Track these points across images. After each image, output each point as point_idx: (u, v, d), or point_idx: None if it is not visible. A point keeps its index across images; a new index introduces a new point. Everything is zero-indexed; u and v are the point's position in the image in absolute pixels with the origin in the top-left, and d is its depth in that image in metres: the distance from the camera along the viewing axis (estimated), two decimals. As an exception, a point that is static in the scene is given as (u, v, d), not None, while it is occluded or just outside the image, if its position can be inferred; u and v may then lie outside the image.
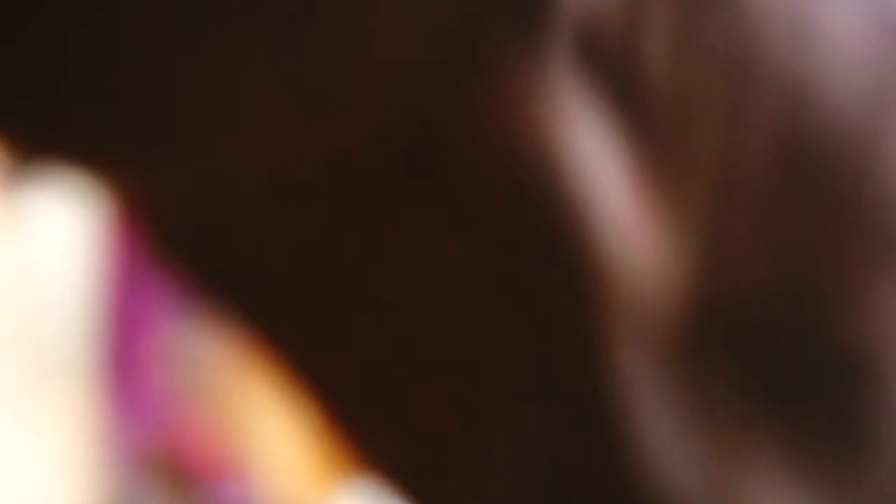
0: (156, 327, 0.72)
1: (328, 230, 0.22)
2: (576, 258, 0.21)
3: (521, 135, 0.21)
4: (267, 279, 0.23)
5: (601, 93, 0.21)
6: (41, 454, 0.68)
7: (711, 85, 0.21)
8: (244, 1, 0.20)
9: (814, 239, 0.22)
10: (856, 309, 0.22)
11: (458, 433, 0.23)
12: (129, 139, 0.22)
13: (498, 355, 0.22)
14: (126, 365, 0.72)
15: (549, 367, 0.22)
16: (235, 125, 0.21)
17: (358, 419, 0.24)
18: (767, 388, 0.22)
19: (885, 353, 0.22)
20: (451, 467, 0.23)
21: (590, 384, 0.22)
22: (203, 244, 0.24)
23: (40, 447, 0.68)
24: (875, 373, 0.22)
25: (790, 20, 0.21)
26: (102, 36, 0.21)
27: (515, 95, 0.21)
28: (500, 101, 0.21)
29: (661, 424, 0.22)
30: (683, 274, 0.22)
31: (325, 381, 0.24)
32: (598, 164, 0.21)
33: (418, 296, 0.22)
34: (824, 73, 0.22)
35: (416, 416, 0.23)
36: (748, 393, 0.22)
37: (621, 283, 0.21)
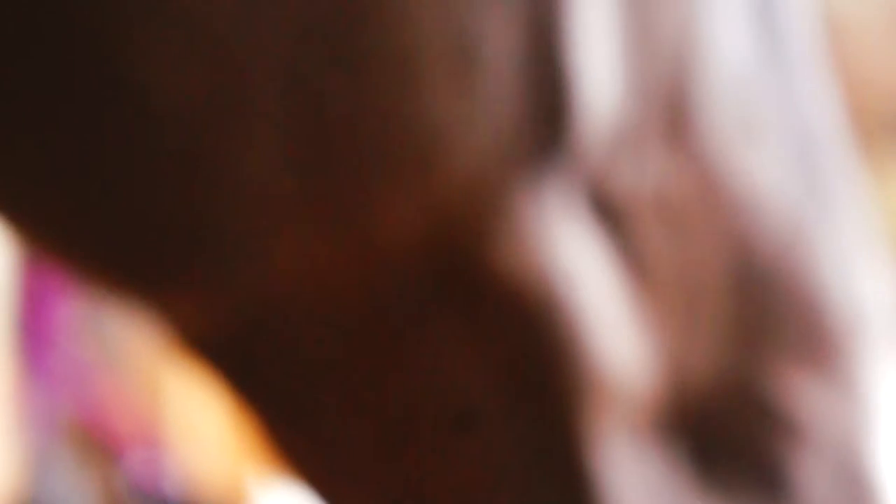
0: (68, 301, 0.72)
1: (359, 337, 0.26)
2: (573, 357, 0.26)
3: (533, 261, 0.25)
4: (296, 385, 0.27)
5: (600, 227, 0.26)
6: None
7: (681, 227, 0.27)
8: (280, 128, 0.24)
9: (754, 333, 0.28)
10: (786, 386, 0.28)
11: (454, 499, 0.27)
12: (173, 257, 0.25)
13: (499, 438, 0.27)
14: (39, 338, 0.72)
15: (546, 441, 0.26)
16: (276, 246, 0.25)
17: None
18: (716, 451, 0.28)
19: (807, 420, 0.28)
20: None
21: (577, 455, 0.26)
22: (240, 355, 0.27)
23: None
24: (799, 435, 0.28)
25: (733, 181, 0.27)
26: (148, 161, 0.24)
27: (530, 228, 0.25)
28: (517, 230, 0.25)
29: (634, 487, 0.27)
30: (657, 368, 0.27)
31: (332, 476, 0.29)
32: (593, 284, 0.26)
33: (434, 392, 0.26)
34: (758, 213, 0.28)
35: (415, 488, 0.28)
36: (702, 456, 0.28)
37: (609, 376, 0.26)
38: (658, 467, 0.27)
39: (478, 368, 0.26)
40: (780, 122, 0.28)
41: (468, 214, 0.25)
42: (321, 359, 0.27)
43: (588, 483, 0.26)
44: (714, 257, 0.27)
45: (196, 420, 0.76)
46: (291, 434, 0.28)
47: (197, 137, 0.24)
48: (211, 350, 0.27)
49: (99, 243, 0.26)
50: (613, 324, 0.26)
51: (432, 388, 0.26)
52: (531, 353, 0.26)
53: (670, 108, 0.26)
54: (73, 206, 0.25)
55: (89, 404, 0.72)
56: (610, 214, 0.26)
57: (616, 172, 0.26)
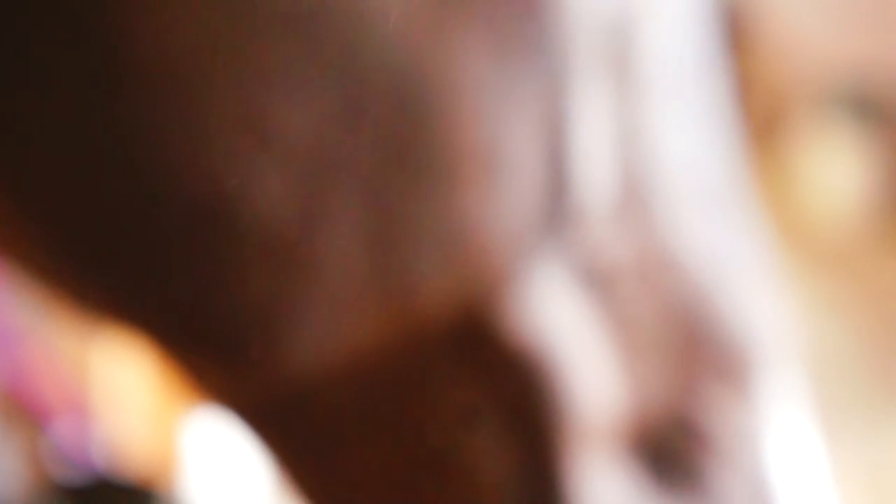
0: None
1: (390, 391, 0.32)
2: (560, 399, 0.32)
3: (533, 324, 0.32)
4: (329, 437, 0.33)
5: (589, 292, 0.33)
6: None
7: (646, 285, 0.34)
8: (356, 226, 0.29)
9: (685, 364, 0.35)
10: (705, 407, 0.35)
11: None
12: (251, 339, 0.31)
13: (497, 462, 0.33)
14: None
15: (535, 466, 0.33)
16: (342, 324, 0.31)
17: None
18: (662, 464, 0.35)
19: (720, 435, 0.35)
20: None
21: (560, 474, 0.33)
22: (284, 419, 0.33)
23: None
24: (715, 448, 0.35)
25: (677, 245, 0.34)
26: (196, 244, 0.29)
27: (534, 297, 0.32)
28: (523, 299, 0.32)
29: (605, 497, 0.34)
30: (625, 400, 0.34)
31: None
32: (580, 339, 0.33)
33: (447, 433, 0.33)
34: (692, 268, 0.35)
35: None
36: (654, 469, 0.35)
37: (587, 410, 0.33)
38: (623, 480, 0.34)
39: (486, 411, 0.33)
40: (706, 190, 0.35)
41: (487, 288, 0.31)
42: (356, 411, 0.33)
43: (568, 496, 0.33)
44: (664, 306, 0.35)
45: (122, 389, 0.76)
46: (316, 476, 0.35)
47: (284, 237, 0.29)
48: (256, 415, 0.33)
49: (186, 329, 0.31)
50: (594, 369, 0.33)
51: (447, 429, 0.33)
52: (528, 396, 0.33)
53: (637, 192, 0.33)
54: (173, 298, 0.30)
55: (15, 372, 0.72)
56: (597, 281, 0.33)
57: (603, 248, 0.33)
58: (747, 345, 0.36)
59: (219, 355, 0.31)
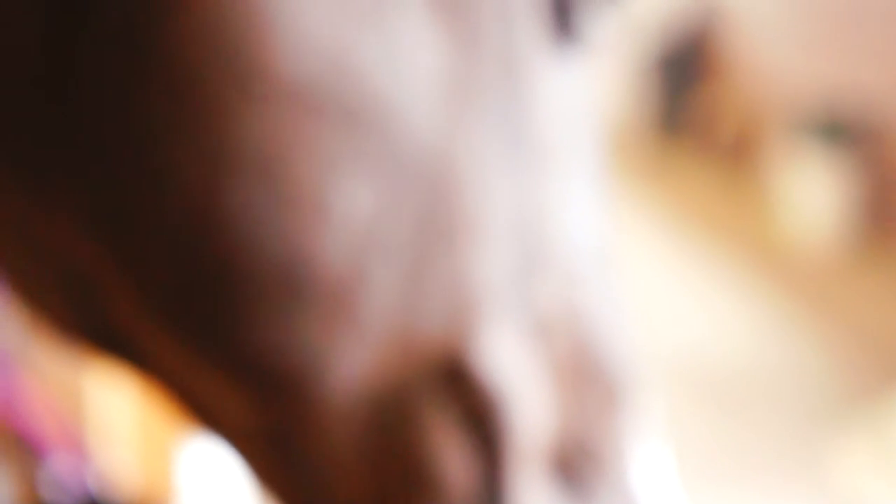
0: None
1: (386, 423, 0.39)
2: (509, 427, 0.40)
3: (493, 368, 0.39)
4: (319, 454, 0.39)
5: (531, 343, 0.40)
6: None
7: (568, 333, 0.42)
8: (392, 276, 0.36)
9: (585, 402, 0.43)
10: (595, 433, 0.43)
11: None
12: (292, 379, 0.37)
13: (461, 480, 0.40)
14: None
15: (490, 479, 0.40)
16: (368, 359, 0.37)
17: None
18: (572, 479, 0.43)
19: (601, 449, 0.43)
20: None
21: (509, 490, 0.40)
22: (286, 443, 0.39)
23: None
24: (600, 464, 0.43)
25: (582, 301, 0.43)
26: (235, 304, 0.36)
27: (495, 346, 0.39)
28: (487, 341, 0.39)
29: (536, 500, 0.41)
30: (553, 428, 0.41)
31: None
32: (525, 378, 0.40)
33: (432, 448, 0.40)
34: (593, 319, 0.43)
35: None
36: (563, 485, 0.42)
37: (527, 436, 0.40)
38: (546, 494, 0.42)
39: (456, 431, 0.39)
40: (597, 250, 0.43)
41: (468, 329, 0.38)
42: (355, 432, 0.39)
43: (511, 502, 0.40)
44: (574, 350, 0.42)
45: (115, 418, 0.77)
46: (306, 494, 0.40)
47: (336, 292, 0.36)
48: (262, 441, 0.39)
49: (244, 363, 0.37)
50: (533, 402, 0.40)
51: (427, 444, 0.39)
52: (488, 421, 0.39)
53: (558, 255, 0.41)
54: (242, 339, 0.36)
55: (9, 400, 0.72)
56: (537, 329, 0.40)
57: (541, 302, 0.40)
58: (624, 382, 0.44)
59: (262, 386, 0.37)
